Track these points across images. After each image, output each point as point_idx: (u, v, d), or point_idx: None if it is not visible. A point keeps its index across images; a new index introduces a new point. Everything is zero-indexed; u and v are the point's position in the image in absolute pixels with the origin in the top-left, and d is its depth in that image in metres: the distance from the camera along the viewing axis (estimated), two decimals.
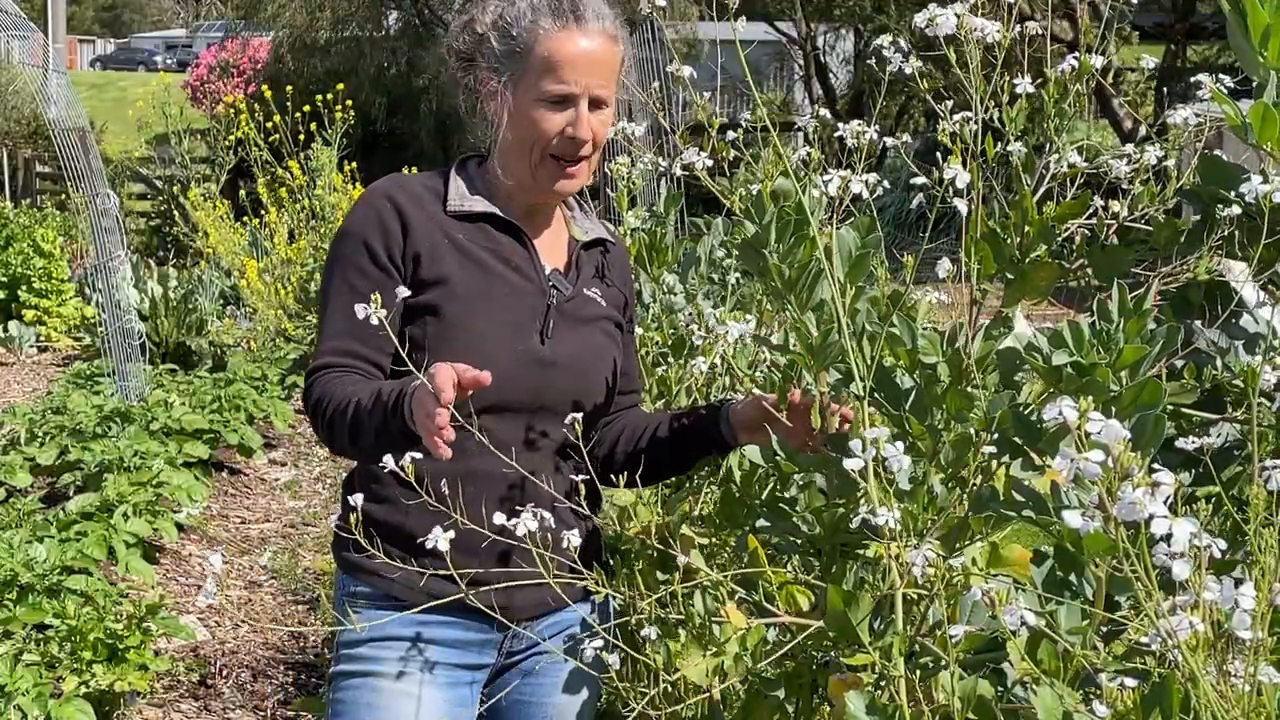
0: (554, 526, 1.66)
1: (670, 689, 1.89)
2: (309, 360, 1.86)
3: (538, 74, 1.82)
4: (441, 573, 1.69)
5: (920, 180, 1.64)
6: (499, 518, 1.65)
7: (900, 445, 1.38)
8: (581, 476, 1.81)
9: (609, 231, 2.07)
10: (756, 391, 1.98)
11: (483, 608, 1.72)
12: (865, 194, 1.65)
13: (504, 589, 1.79)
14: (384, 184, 1.90)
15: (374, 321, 1.59)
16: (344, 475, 1.98)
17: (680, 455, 1.98)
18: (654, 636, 1.81)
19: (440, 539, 1.56)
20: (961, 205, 1.57)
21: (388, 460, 1.60)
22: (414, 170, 2.60)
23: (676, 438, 1.97)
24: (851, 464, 1.37)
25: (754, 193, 1.73)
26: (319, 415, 1.77)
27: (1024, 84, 1.59)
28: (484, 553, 1.75)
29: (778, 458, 1.77)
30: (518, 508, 1.63)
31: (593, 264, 2.00)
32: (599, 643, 1.75)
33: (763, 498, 1.91)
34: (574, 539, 1.66)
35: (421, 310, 1.82)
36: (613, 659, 1.76)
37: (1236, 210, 1.58)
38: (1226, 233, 1.60)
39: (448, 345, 1.78)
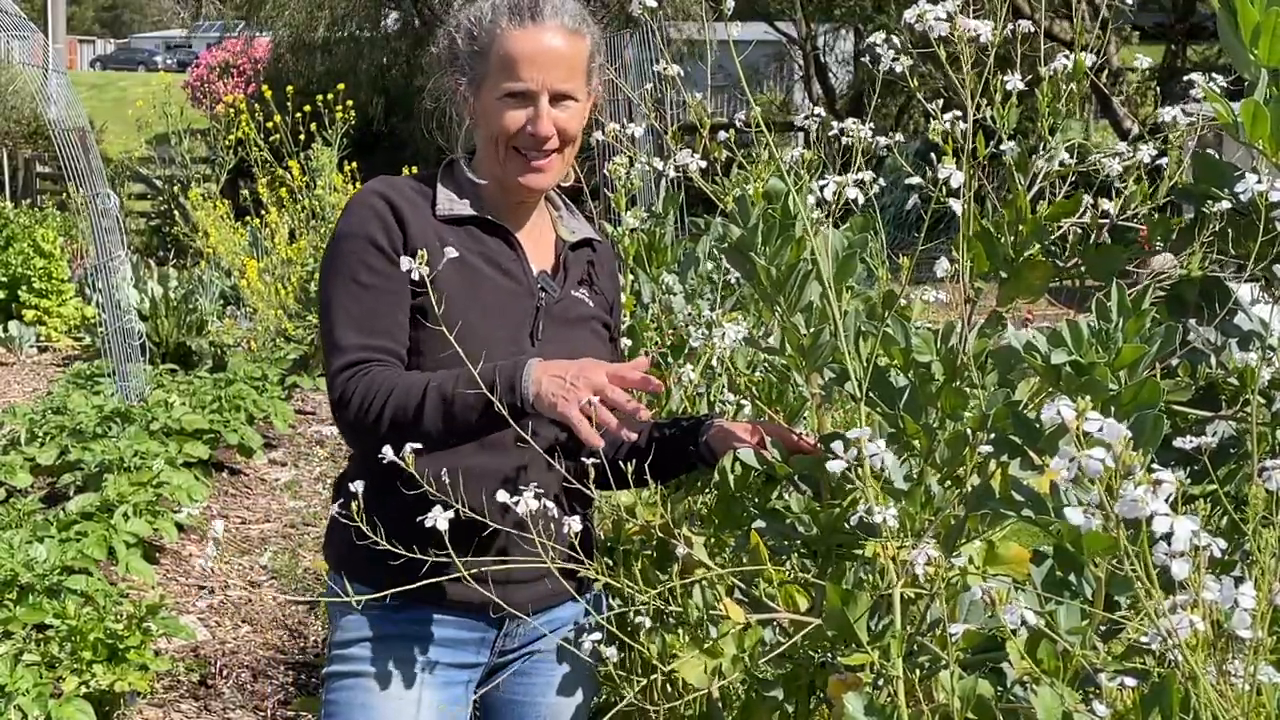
0: (553, 519, 1.67)
1: (669, 686, 1.89)
2: (324, 362, 1.83)
3: (498, 72, 1.86)
4: (442, 575, 1.68)
5: (916, 180, 1.64)
6: (496, 508, 1.65)
7: (882, 443, 1.38)
8: (573, 472, 1.82)
9: (597, 231, 2.07)
10: (732, 425, 1.97)
11: (483, 594, 1.72)
12: (861, 197, 1.65)
13: (501, 584, 1.79)
14: (376, 185, 1.90)
15: (415, 277, 1.61)
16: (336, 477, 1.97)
17: (658, 468, 1.95)
18: (648, 625, 1.81)
19: (440, 519, 1.56)
20: (956, 205, 1.57)
21: (387, 451, 1.61)
22: (414, 170, 2.60)
23: (656, 450, 1.96)
24: (834, 466, 1.38)
25: (746, 194, 1.73)
26: (368, 404, 1.74)
27: (1014, 81, 1.59)
28: (480, 549, 1.75)
29: (773, 458, 1.77)
30: (514, 503, 1.63)
31: (580, 265, 2.00)
32: (596, 636, 1.75)
33: (756, 500, 1.91)
34: (574, 525, 1.66)
35: (413, 312, 1.82)
36: (610, 652, 1.76)
37: (1225, 205, 1.58)
38: (1217, 228, 1.60)
39: (439, 347, 1.76)
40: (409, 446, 1.60)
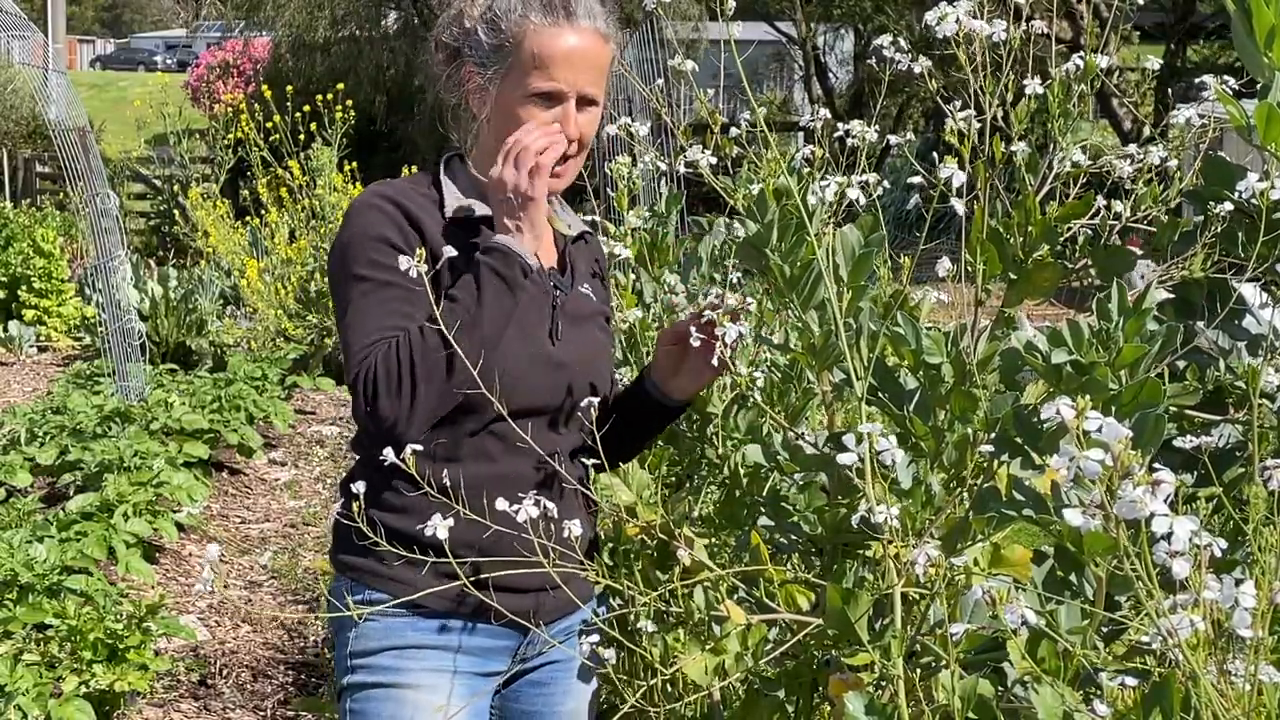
0: (582, 531, 1.66)
1: (669, 687, 1.89)
2: (346, 361, 1.73)
3: (526, 70, 1.77)
4: (476, 584, 1.67)
5: (918, 180, 1.64)
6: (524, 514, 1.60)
7: (893, 440, 1.38)
8: (591, 468, 1.81)
9: (587, 223, 2.04)
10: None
11: (517, 603, 1.70)
12: (863, 198, 1.65)
13: (533, 593, 1.77)
14: (377, 189, 1.81)
15: (413, 275, 1.55)
16: (342, 479, 1.89)
17: (629, 430, 1.92)
18: (650, 629, 1.81)
19: (439, 527, 1.54)
20: (958, 205, 1.57)
21: (388, 453, 1.57)
22: (414, 169, 2.59)
23: (622, 414, 1.91)
24: (845, 459, 1.37)
25: (756, 192, 1.73)
26: (389, 372, 1.65)
27: (1033, 85, 1.59)
28: (514, 557, 1.67)
29: (779, 457, 1.77)
30: (548, 509, 1.60)
31: (583, 258, 1.97)
32: (596, 638, 1.75)
33: (763, 495, 1.91)
34: (576, 531, 1.65)
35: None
36: (609, 654, 1.75)
37: (1229, 207, 1.58)
38: (1221, 229, 1.60)
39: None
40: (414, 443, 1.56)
